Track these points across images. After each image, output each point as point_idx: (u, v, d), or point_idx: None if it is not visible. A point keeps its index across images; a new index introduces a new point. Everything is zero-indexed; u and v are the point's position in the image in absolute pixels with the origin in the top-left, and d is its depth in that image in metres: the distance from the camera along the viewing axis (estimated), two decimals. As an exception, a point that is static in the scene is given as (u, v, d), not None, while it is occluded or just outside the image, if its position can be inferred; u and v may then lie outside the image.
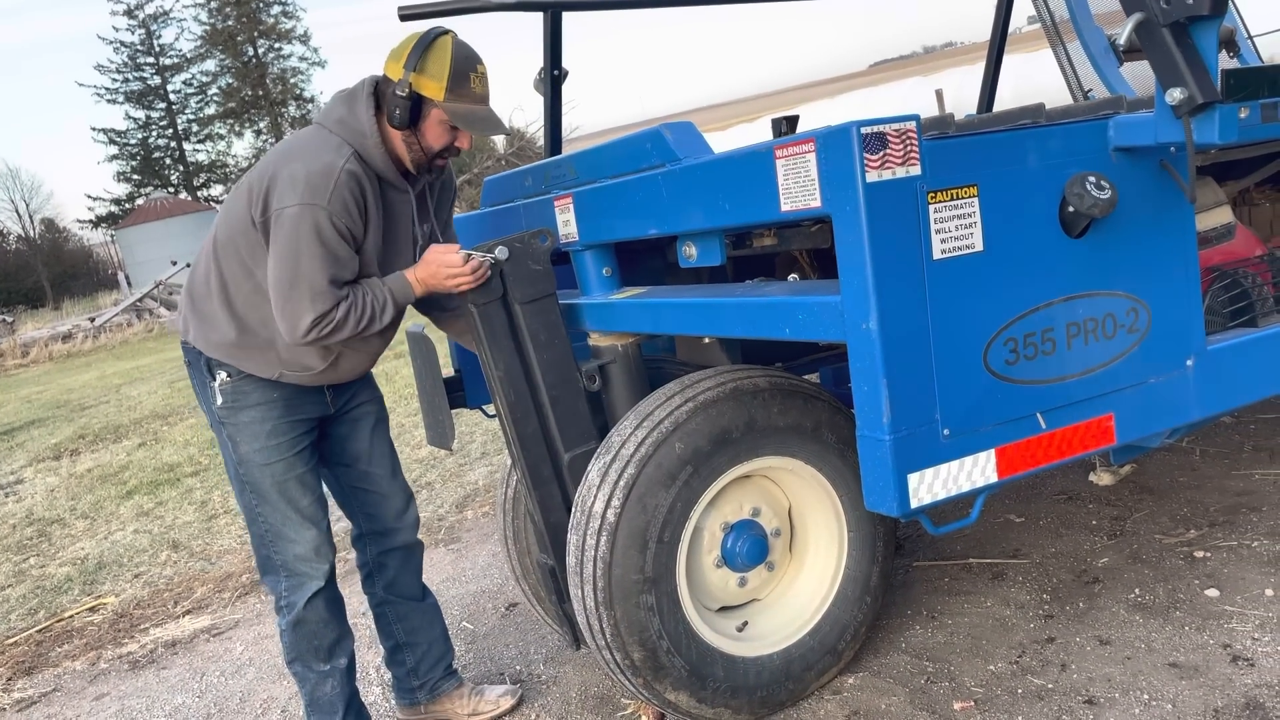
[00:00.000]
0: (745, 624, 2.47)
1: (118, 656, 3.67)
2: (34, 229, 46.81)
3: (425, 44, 2.18)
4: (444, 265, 2.25)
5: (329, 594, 2.46)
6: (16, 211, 46.59)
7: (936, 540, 3.25)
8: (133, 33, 53.63)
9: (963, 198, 1.87)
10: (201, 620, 3.86)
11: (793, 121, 2.65)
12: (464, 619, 3.37)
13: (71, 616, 4.17)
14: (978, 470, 1.96)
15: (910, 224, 1.81)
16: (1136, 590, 2.71)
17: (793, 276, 2.47)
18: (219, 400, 2.34)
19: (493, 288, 2.33)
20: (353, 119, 2.23)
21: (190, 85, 55.12)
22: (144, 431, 8.13)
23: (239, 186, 2.26)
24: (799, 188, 1.86)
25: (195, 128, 55.53)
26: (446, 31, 2.22)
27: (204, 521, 5.18)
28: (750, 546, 2.40)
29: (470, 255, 2.25)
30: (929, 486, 1.90)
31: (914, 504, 1.88)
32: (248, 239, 2.22)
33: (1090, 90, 3.86)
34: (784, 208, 1.89)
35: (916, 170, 1.81)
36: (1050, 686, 2.34)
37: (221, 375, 2.33)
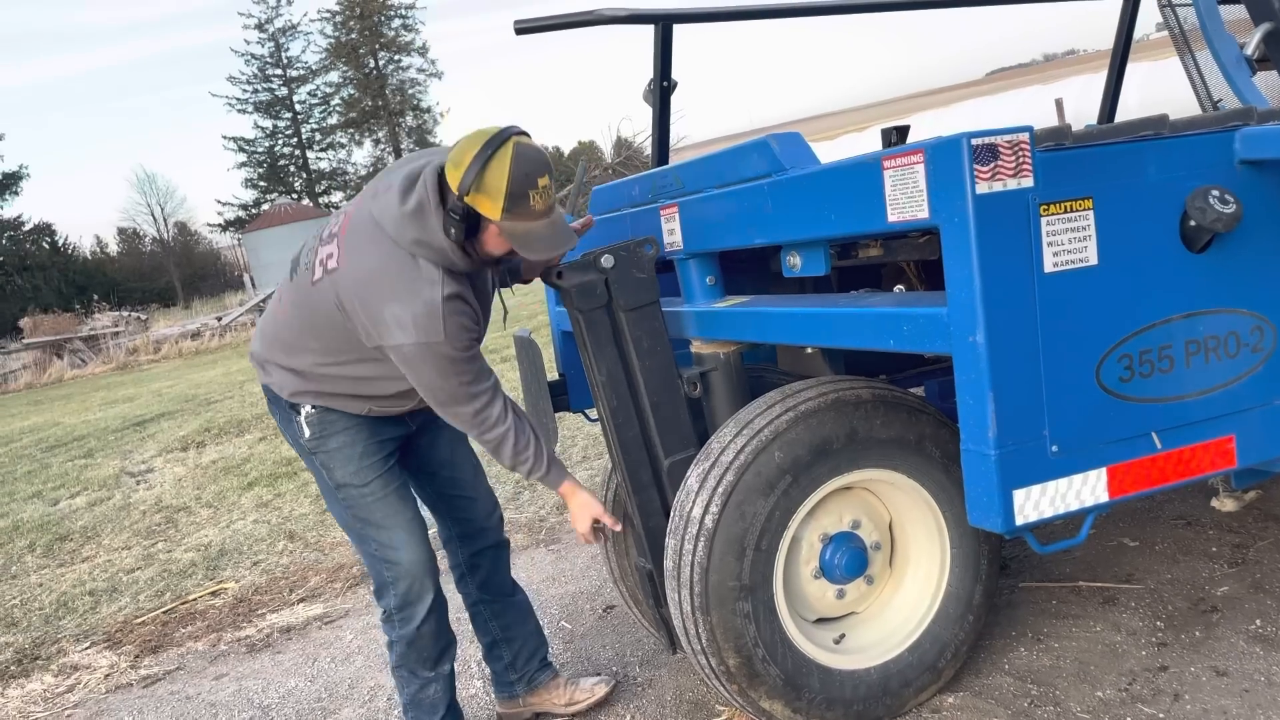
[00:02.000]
0: (842, 636, 2.45)
1: (236, 639, 3.86)
2: (168, 232, 49.44)
3: (485, 158, 2.05)
4: (591, 515, 2.49)
5: (441, 603, 2.53)
6: (152, 215, 49.29)
7: (1044, 561, 3.16)
8: (263, 45, 56.15)
9: (1077, 210, 1.83)
10: (314, 608, 4.03)
11: (903, 131, 2.63)
12: (562, 619, 3.43)
13: (195, 600, 4.40)
14: (1087, 489, 1.91)
15: (1021, 236, 1.79)
16: (1258, 621, 2.58)
17: (899, 288, 2.45)
18: (307, 433, 2.40)
19: (598, 294, 2.38)
20: (429, 236, 2.15)
21: (314, 96, 57.40)
22: (264, 426, 8.50)
23: (327, 291, 2.23)
24: (907, 199, 1.85)
25: (318, 137, 57.77)
26: (509, 139, 2.07)
27: (319, 514, 5.39)
28: (849, 559, 2.38)
29: (603, 527, 2.56)
30: (1035, 504, 1.86)
31: (1019, 521, 1.85)
32: (350, 340, 2.26)
33: (1220, 100, 3.70)
34: (891, 218, 1.89)
35: (1029, 182, 1.78)
36: (1161, 716, 2.25)
37: (306, 408, 2.39)
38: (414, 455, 2.62)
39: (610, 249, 2.37)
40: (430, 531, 2.52)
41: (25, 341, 21.71)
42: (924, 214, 1.82)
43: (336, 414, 2.40)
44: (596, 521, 2.51)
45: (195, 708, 3.29)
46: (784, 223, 2.15)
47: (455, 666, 2.67)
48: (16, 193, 48.06)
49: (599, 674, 2.90)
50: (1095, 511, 1.94)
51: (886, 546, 2.48)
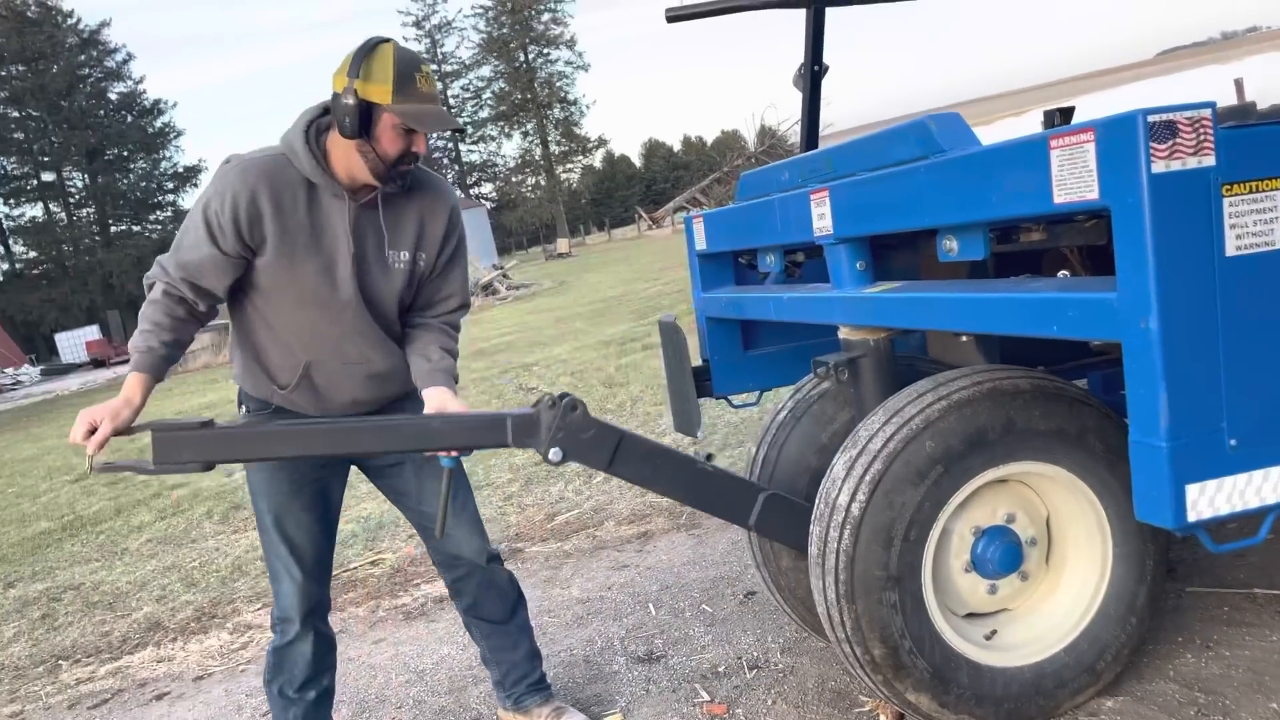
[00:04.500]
0: (994, 632, 2.38)
1: (393, 607, 4.06)
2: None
3: (365, 51, 2.14)
4: (91, 420, 2.16)
5: (316, 640, 2.56)
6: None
7: (1216, 566, 2.98)
8: (419, 42, 58.32)
9: (1264, 191, 1.71)
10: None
11: (1068, 114, 2.53)
12: (703, 602, 3.46)
13: (355, 569, 4.65)
14: (1268, 486, 1.79)
15: (1201, 218, 1.69)
16: None
17: (1063, 273, 2.36)
18: None
19: None
20: (293, 130, 2.25)
21: (467, 90, 59.27)
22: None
23: None
24: (1075, 179, 1.77)
25: (470, 130, 59.53)
26: (387, 40, 2.18)
27: (468, 492, 5.59)
28: (1002, 554, 2.31)
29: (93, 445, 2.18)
30: (1210, 500, 1.76)
31: (1191, 517, 1.75)
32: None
33: None
34: (1057, 200, 1.81)
35: (1210, 161, 1.68)
36: (1348, 736, 2.10)
37: (243, 409, 2.51)
38: (382, 481, 2.62)
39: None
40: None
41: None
42: (1093, 195, 1.75)
43: (265, 419, 2.44)
44: (91, 430, 2.15)
45: (356, 669, 3.48)
46: (942, 206, 2.10)
47: (327, 702, 2.66)
48: (196, 184, 51.54)
49: (585, 713, 2.77)
50: (1276, 511, 1.82)
51: (1043, 543, 2.39)
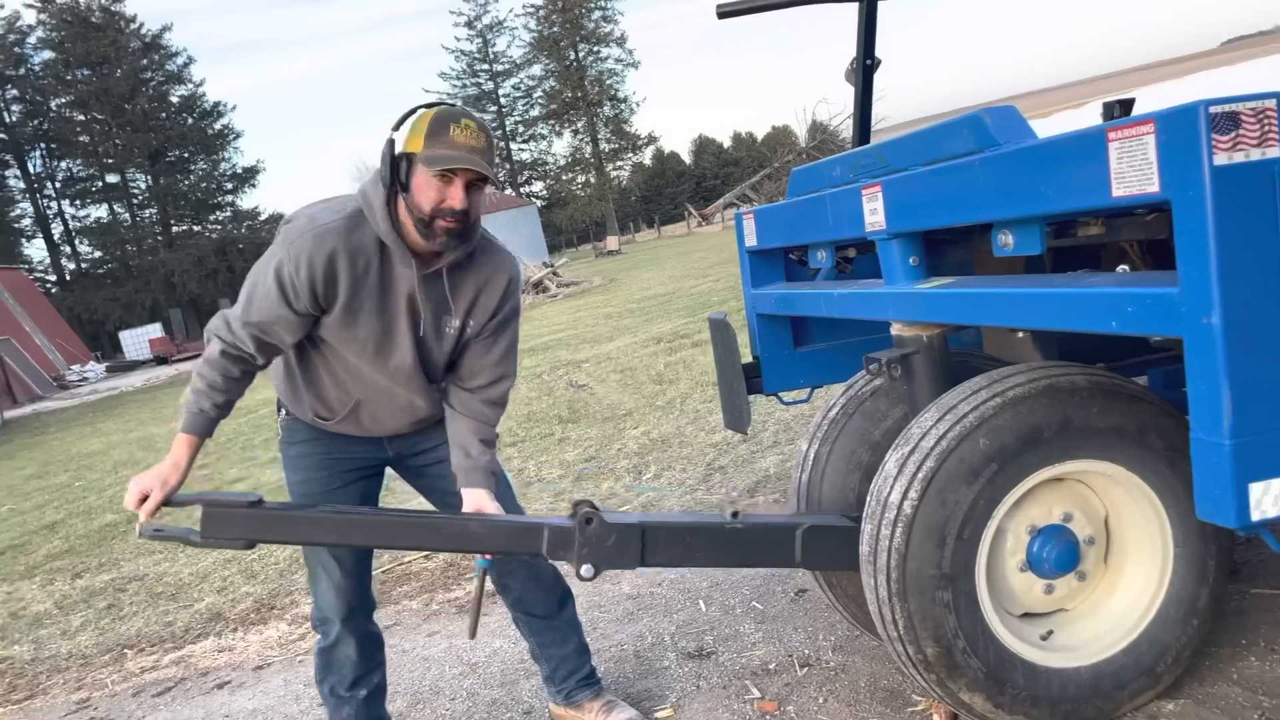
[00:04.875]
0: (1050, 633, 2.35)
1: (446, 600, 4.12)
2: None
3: (413, 111, 2.19)
4: (143, 489, 2.23)
5: (361, 638, 2.58)
6: (371, 207, 52.84)
7: (1281, 569, 2.91)
8: (471, 42, 58.83)
9: (1333, 182, 1.67)
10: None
11: (1127, 105, 2.47)
12: (754, 599, 3.45)
13: (409, 562, 4.71)
14: (1337, 486, 1.74)
15: (1266, 210, 1.65)
16: None
17: (1122, 268, 2.31)
18: (280, 434, 2.57)
19: None
20: (371, 186, 2.23)
21: (518, 89, 59.64)
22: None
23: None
24: (1134, 172, 1.74)
25: (521, 128, 59.93)
26: (449, 106, 2.21)
27: (521, 487, 5.64)
28: (1059, 553, 2.28)
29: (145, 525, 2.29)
30: (1274, 499, 1.71)
31: (1255, 516, 1.71)
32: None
33: None
34: (1116, 193, 1.78)
35: (1275, 153, 1.64)
36: None
37: (282, 413, 2.56)
38: (421, 479, 2.65)
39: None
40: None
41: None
42: (1154, 188, 1.71)
43: (301, 424, 2.52)
44: (143, 498, 2.24)
45: (410, 660, 3.53)
46: (997, 200, 2.07)
47: (380, 699, 2.70)
48: (254, 185, 52.56)
49: (634, 711, 2.75)
50: (1346, 512, 1.77)
51: (1101, 542, 2.36)
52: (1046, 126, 2.46)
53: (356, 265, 2.22)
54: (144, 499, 2.23)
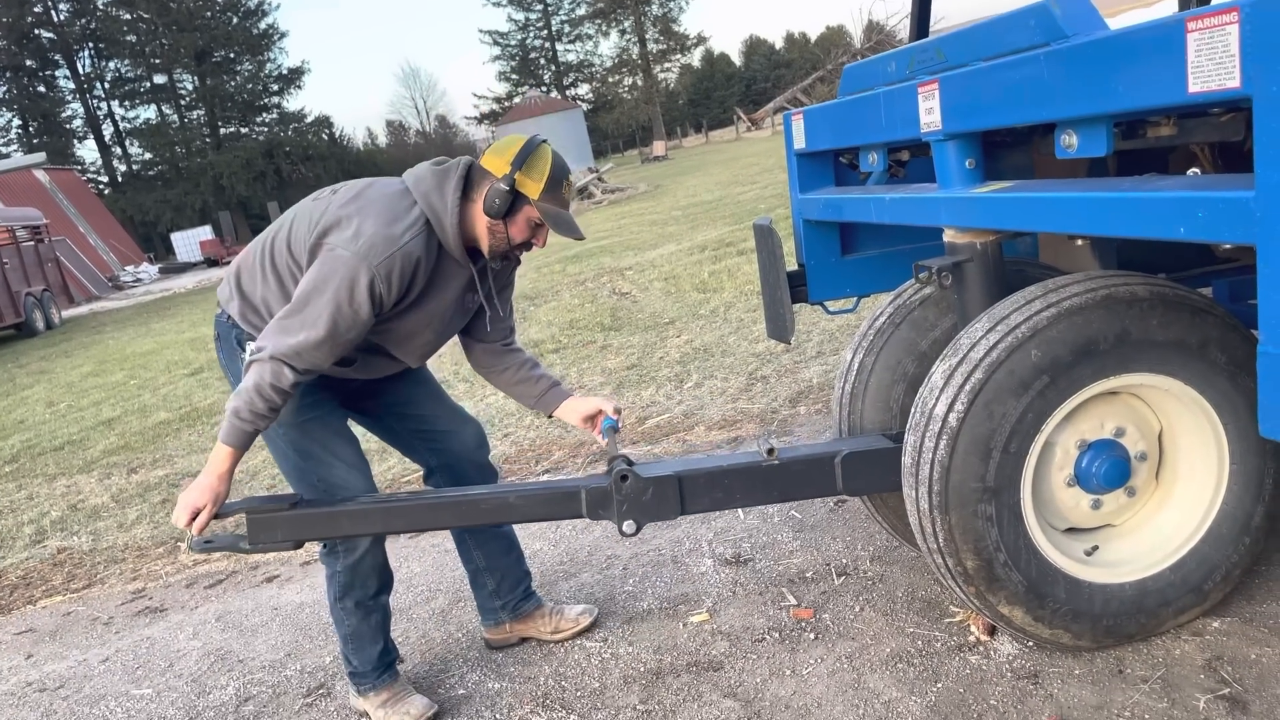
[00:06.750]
0: (1095, 548, 2.31)
1: (487, 502, 4.16)
2: (429, 124, 52.39)
3: (530, 149, 2.33)
4: (193, 506, 2.28)
5: (379, 543, 2.57)
6: (416, 108, 52.42)
7: (1341, 489, 2.82)
8: (517, -63, 57.12)
9: None
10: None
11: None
12: (792, 508, 3.44)
13: (451, 464, 4.77)
14: None
15: (1358, 108, 1.52)
16: None
17: (1193, 171, 2.19)
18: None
19: None
20: (439, 198, 2.31)
21: (565, -14, 58.00)
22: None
23: (304, 210, 2.37)
24: (1214, 66, 1.62)
25: (567, 29, 58.63)
26: (545, 141, 2.39)
27: (561, 393, 5.66)
28: (1109, 468, 2.22)
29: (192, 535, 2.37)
30: (1345, 418, 1.63)
31: (1323, 435, 1.63)
32: (296, 259, 2.32)
33: None
34: (1192, 89, 1.66)
35: (1374, 43, 1.51)
36: None
37: (251, 345, 2.39)
38: (374, 400, 2.65)
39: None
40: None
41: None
42: (1235, 83, 1.59)
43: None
44: (194, 515, 2.28)
45: (453, 559, 3.59)
46: (1063, 97, 1.95)
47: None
48: (300, 86, 52.32)
49: (583, 604, 2.91)
50: None
51: (1154, 458, 2.29)
52: (1118, 24, 2.30)
53: (418, 276, 2.33)
54: (194, 515, 2.28)
